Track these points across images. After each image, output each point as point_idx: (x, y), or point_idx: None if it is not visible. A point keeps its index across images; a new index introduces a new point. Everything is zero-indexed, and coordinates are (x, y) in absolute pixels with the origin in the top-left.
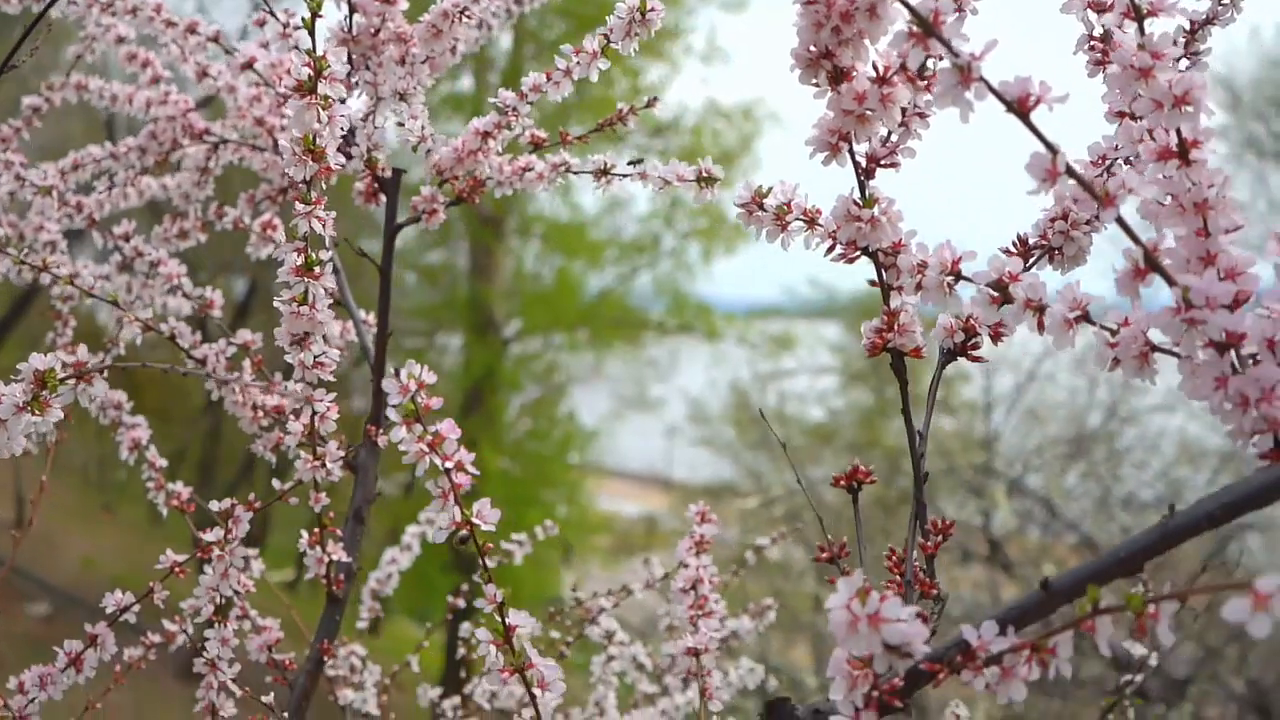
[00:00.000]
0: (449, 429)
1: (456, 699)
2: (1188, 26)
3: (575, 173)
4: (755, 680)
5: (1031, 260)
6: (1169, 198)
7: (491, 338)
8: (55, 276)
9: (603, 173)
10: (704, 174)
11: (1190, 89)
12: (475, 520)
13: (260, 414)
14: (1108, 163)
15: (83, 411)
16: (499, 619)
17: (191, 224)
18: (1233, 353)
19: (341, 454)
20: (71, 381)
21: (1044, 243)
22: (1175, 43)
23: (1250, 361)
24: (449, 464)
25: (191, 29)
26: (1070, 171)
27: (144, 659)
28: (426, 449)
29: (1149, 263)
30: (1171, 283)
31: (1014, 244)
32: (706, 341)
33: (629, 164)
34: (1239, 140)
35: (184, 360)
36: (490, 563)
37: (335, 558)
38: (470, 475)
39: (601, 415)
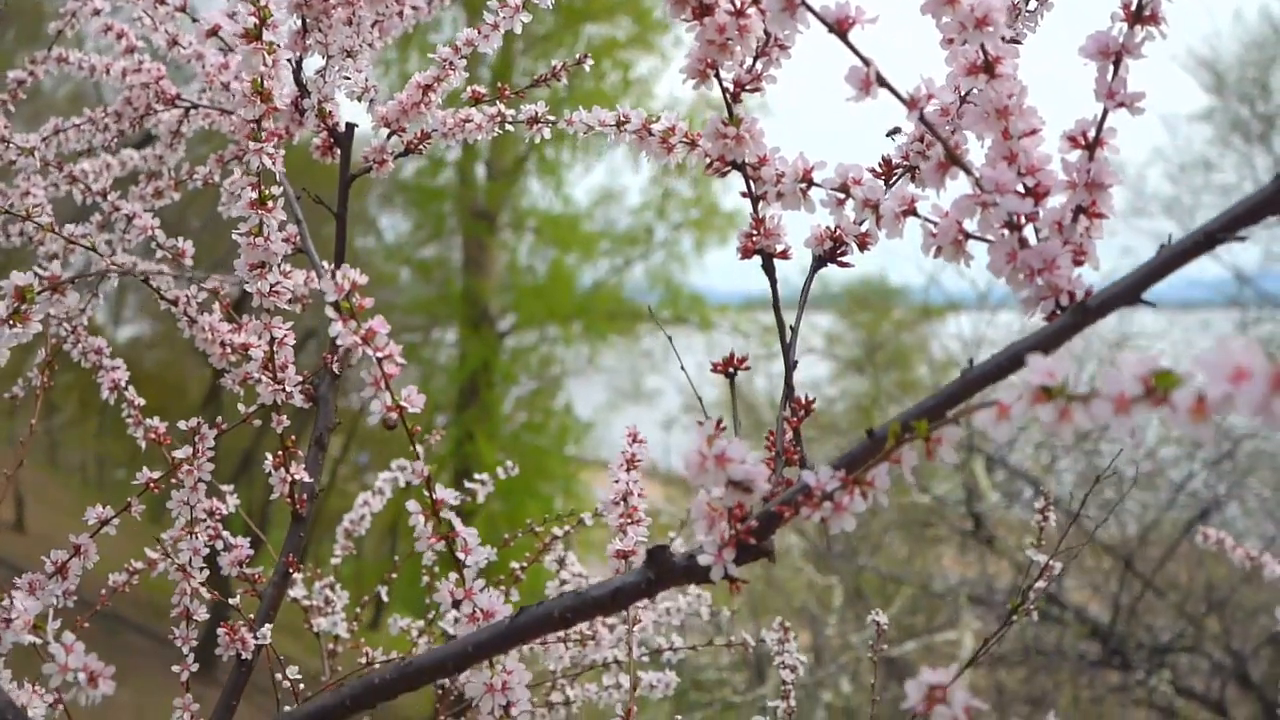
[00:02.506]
0: (379, 324)
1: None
2: None
3: (511, 123)
4: (704, 605)
5: (895, 177)
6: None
7: (486, 331)
8: (39, 225)
9: (534, 120)
10: (622, 119)
11: (989, 11)
12: (404, 404)
13: (228, 350)
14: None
15: (81, 412)
16: (427, 493)
17: (165, 183)
18: (1031, 232)
19: (299, 378)
20: (47, 294)
21: (905, 162)
22: None
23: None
24: (380, 354)
25: (160, 0)
26: (880, 80)
27: (127, 584)
28: (360, 341)
29: (950, 158)
30: (969, 173)
31: (880, 163)
32: (700, 332)
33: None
34: (1225, 123)
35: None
36: (420, 449)
37: (298, 478)
38: (398, 366)
39: (597, 407)
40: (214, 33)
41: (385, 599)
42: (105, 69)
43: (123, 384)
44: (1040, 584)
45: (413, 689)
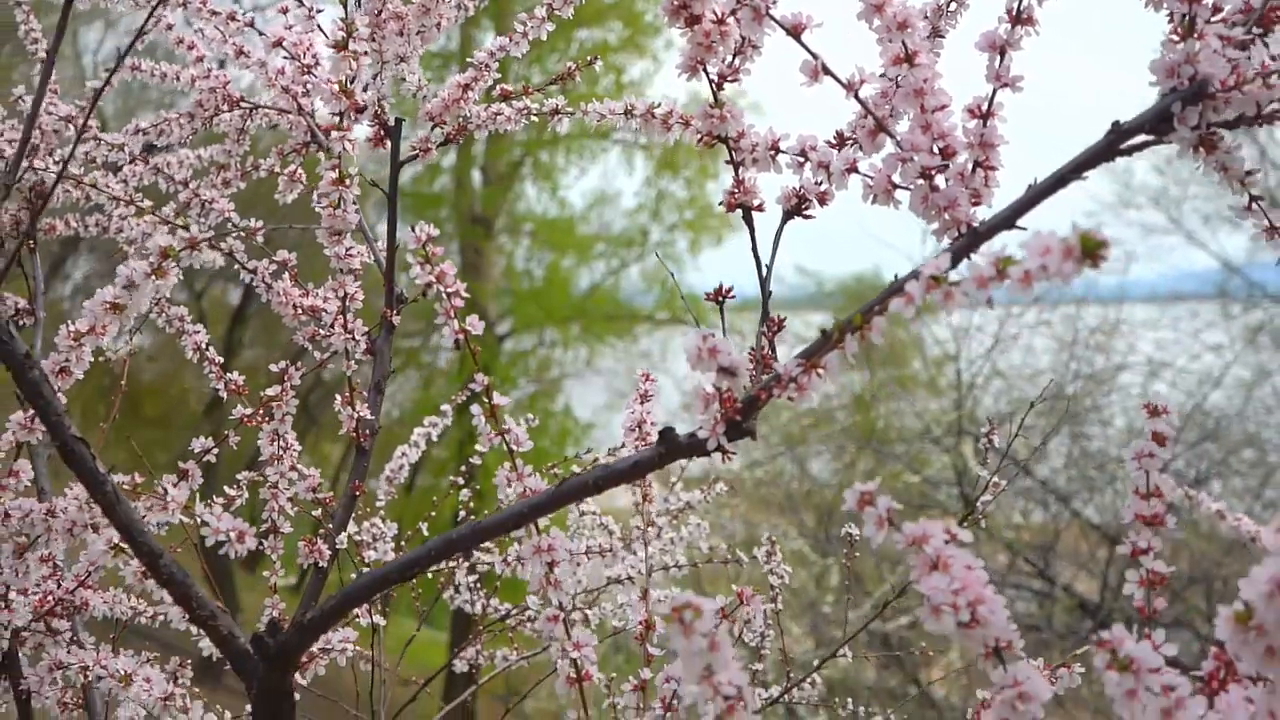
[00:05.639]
0: (449, 267)
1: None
2: None
3: (535, 115)
4: (702, 535)
5: (846, 145)
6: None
7: (485, 335)
8: (138, 208)
9: (555, 112)
10: (629, 108)
11: (908, 17)
12: (468, 327)
13: (299, 311)
14: None
15: (83, 423)
16: (487, 401)
17: (233, 174)
18: (943, 181)
19: (366, 329)
20: (187, 250)
21: (853, 134)
22: None
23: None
24: (450, 290)
25: (231, 17)
26: (825, 70)
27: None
28: (434, 280)
29: (878, 126)
30: (893, 137)
31: (834, 135)
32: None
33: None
34: None
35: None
36: (482, 374)
37: (362, 415)
38: (464, 299)
39: (596, 409)
40: (278, 44)
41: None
42: (175, 75)
43: (204, 345)
44: (986, 498)
45: (483, 543)
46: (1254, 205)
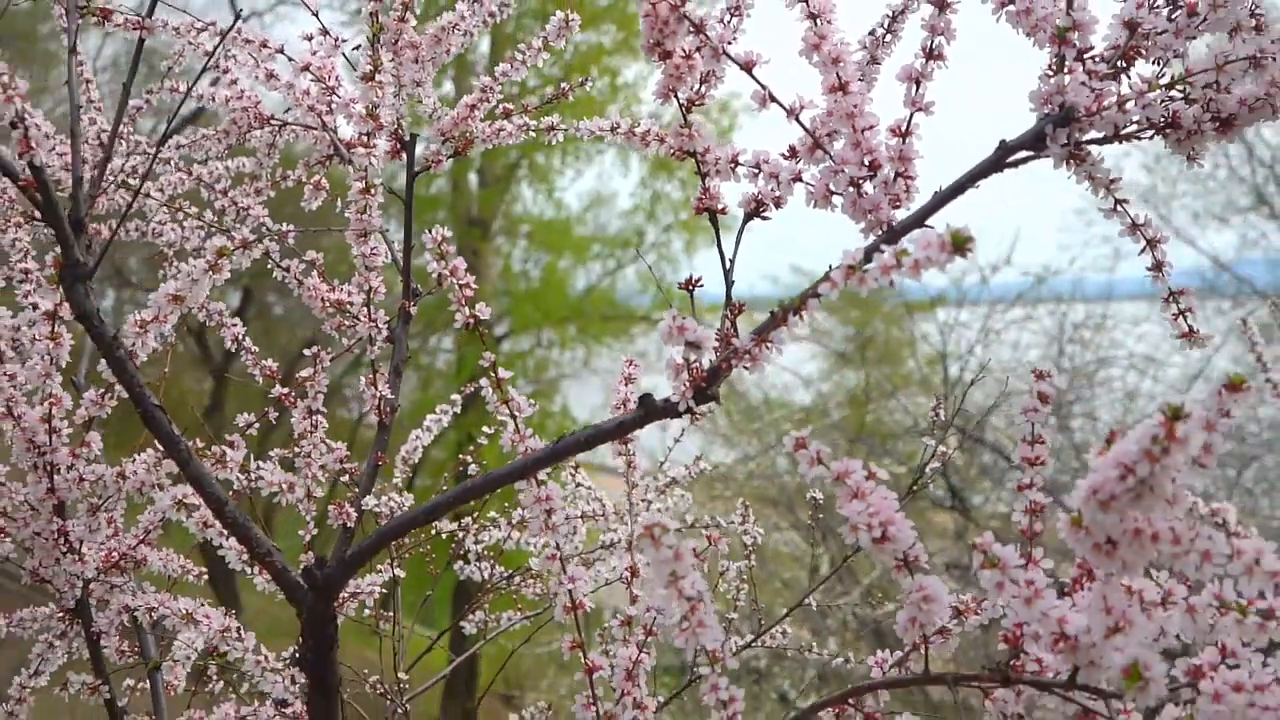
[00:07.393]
0: (460, 263)
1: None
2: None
3: (534, 131)
4: (687, 505)
5: (798, 160)
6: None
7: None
8: (186, 214)
9: (551, 128)
10: (615, 125)
11: (840, 53)
12: (477, 313)
13: (326, 304)
14: None
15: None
16: (494, 375)
17: (264, 184)
18: (869, 188)
19: (388, 318)
20: (239, 250)
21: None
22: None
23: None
24: (461, 282)
25: (264, 44)
26: (771, 98)
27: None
28: (448, 274)
29: (815, 143)
30: (826, 153)
31: (788, 149)
32: None
33: None
34: None
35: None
36: (489, 349)
37: (383, 394)
38: (473, 290)
39: (593, 408)
40: (306, 68)
41: None
42: (211, 97)
43: (241, 337)
44: (934, 465)
45: (492, 491)
46: (1119, 208)
